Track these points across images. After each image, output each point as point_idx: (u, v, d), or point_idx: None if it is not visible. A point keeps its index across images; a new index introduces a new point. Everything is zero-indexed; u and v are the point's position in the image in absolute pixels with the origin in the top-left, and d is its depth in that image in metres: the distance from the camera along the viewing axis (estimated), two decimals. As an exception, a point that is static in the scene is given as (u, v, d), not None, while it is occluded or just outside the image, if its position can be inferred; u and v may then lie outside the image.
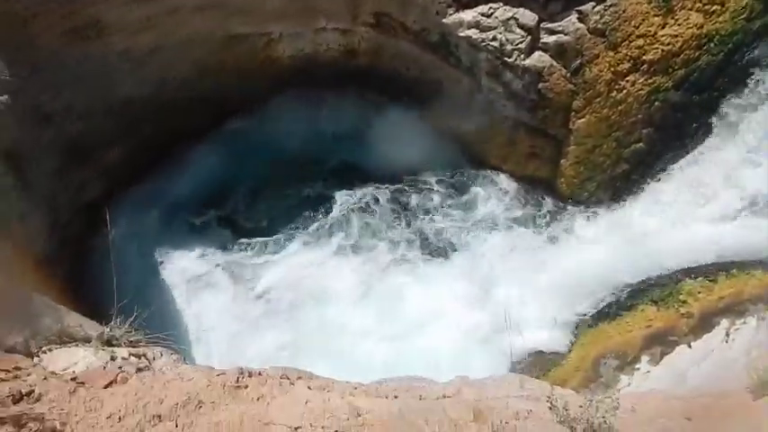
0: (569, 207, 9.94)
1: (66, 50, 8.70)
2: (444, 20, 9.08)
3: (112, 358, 4.15)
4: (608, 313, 9.03)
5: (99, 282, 8.79)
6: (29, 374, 3.71)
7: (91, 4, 8.30)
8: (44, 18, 8.20)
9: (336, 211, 10.18)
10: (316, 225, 10.05)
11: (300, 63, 9.92)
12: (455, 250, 9.90)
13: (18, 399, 3.43)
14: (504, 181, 10.45)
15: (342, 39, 9.75)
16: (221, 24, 9.19)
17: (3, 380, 3.62)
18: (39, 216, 8.54)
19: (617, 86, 8.85)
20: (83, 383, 3.63)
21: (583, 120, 9.24)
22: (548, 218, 10.10)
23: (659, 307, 8.63)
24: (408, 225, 10.22)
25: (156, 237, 9.52)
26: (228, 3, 8.91)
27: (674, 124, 8.85)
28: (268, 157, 10.17)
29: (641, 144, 9.12)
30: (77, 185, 9.27)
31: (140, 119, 9.56)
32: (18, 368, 3.80)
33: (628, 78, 8.74)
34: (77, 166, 9.24)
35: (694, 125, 8.76)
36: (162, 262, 9.43)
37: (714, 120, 8.62)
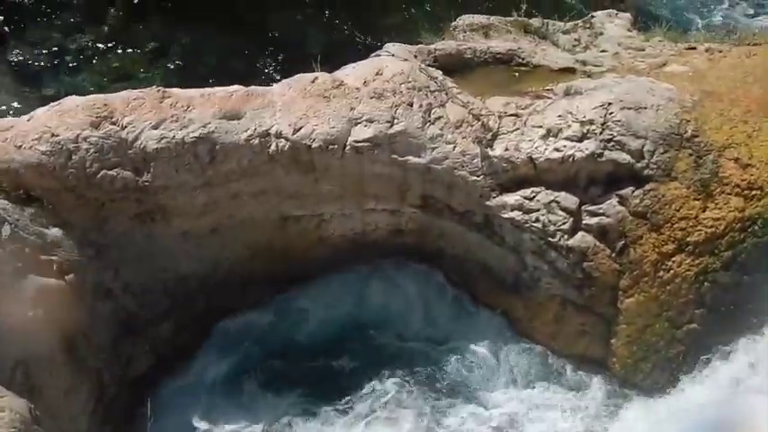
0: (623, 390, 9.49)
1: (131, 232, 9.30)
2: (488, 202, 9.52)
3: None
4: None
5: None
6: None
7: (162, 191, 9.02)
8: (119, 203, 8.90)
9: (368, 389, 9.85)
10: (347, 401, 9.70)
11: (349, 242, 10.30)
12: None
13: None
14: (552, 359, 10.15)
15: (390, 219, 10.18)
16: (276, 207, 9.77)
17: None
18: (85, 391, 8.53)
19: (663, 267, 8.87)
20: None
21: (631, 299, 9.16)
22: (599, 401, 9.59)
23: None
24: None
25: (202, 417, 9.29)
26: (285, 188, 9.56)
27: (726, 305, 8.66)
28: (314, 335, 10.20)
29: (695, 325, 8.89)
30: (126, 359, 9.34)
31: (193, 295, 9.86)
32: None
33: (674, 259, 8.78)
34: (128, 340, 9.39)
35: (749, 306, 8.57)
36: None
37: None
